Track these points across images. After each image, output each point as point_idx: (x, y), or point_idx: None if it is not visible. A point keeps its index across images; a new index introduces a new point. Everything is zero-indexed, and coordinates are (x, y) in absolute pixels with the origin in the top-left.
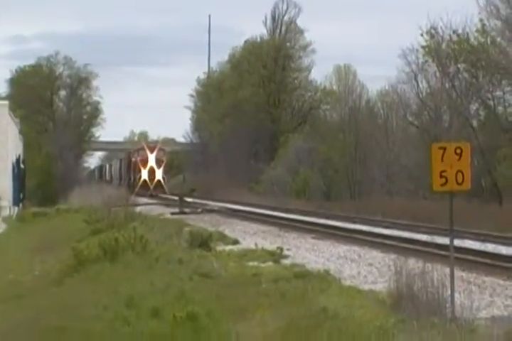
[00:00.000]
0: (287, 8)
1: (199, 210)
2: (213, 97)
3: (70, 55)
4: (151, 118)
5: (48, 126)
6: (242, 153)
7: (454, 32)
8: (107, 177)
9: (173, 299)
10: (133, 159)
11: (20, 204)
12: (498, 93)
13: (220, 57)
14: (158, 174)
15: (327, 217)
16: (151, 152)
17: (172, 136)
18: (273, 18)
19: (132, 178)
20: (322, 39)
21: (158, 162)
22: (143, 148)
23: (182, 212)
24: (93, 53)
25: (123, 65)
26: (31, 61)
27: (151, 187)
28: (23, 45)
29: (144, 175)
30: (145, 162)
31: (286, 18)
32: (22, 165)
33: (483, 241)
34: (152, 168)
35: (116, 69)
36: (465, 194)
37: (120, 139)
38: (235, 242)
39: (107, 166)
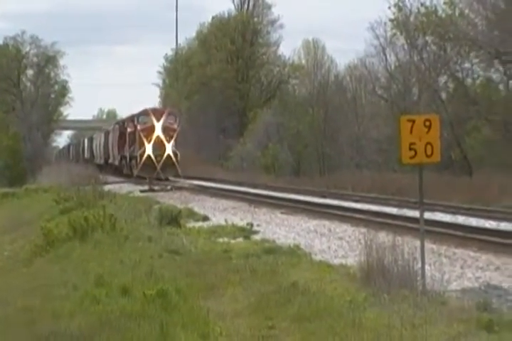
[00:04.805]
0: None
1: (168, 187)
2: (181, 74)
3: (37, 35)
4: (120, 96)
5: (16, 105)
6: (210, 129)
7: (421, 4)
8: (86, 154)
9: (143, 277)
10: (129, 129)
11: None
12: (467, 65)
13: (188, 34)
14: (169, 148)
15: (297, 192)
16: (158, 119)
17: None
18: None
19: (128, 155)
20: (290, 13)
21: (168, 131)
22: (146, 113)
23: (151, 190)
24: (59, 32)
25: (90, 44)
26: None
27: (158, 166)
28: None
29: (149, 149)
30: (149, 132)
31: None
32: None
33: (454, 213)
34: (159, 139)
35: (83, 48)
36: (435, 166)
37: (89, 118)
38: (205, 219)
39: (85, 142)
